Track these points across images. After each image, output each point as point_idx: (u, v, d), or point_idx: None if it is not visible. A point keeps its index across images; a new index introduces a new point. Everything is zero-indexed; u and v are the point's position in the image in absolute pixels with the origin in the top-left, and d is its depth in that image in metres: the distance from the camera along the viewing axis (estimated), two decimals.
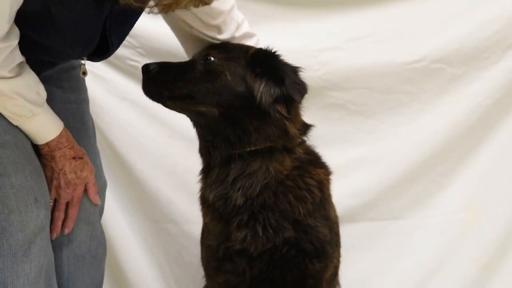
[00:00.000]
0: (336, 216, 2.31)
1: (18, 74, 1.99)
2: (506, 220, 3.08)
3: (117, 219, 2.91)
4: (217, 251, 2.17)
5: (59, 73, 2.32)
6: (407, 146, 3.05)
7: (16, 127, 2.13)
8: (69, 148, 2.18)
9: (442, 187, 3.08)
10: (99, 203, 2.28)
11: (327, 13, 2.98)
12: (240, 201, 2.10)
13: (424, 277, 3.07)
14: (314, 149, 2.27)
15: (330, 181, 2.29)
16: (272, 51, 2.20)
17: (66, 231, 2.21)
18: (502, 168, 3.09)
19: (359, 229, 3.05)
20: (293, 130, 2.14)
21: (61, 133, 2.15)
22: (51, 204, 2.20)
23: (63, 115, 2.28)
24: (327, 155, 2.87)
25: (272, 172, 2.11)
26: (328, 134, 2.99)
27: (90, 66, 2.47)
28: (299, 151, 2.19)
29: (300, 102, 2.19)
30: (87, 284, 2.39)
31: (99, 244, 2.42)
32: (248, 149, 2.11)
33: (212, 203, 2.16)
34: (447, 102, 3.04)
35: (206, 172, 2.20)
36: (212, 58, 2.14)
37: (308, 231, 2.14)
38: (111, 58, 2.75)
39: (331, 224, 2.21)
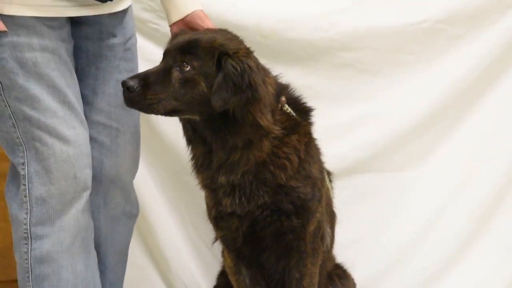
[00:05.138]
0: (320, 172, 2.39)
1: None
2: (502, 174, 3.16)
3: (140, 172, 2.81)
4: (211, 212, 2.37)
5: (115, 49, 2.39)
6: (411, 103, 3.09)
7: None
8: None
9: (442, 141, 3.13)
10: (4, 29, 2.12)
11: None
12: (224, 181, 2.25)
13: (423, 226, 3.14)
14: (290, 111, 2.29)
15: (310, 140, 2.34)
16: (230, 52, 2.15)
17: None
18: (500, 123, 3.14)
19: (365, 180, 3.12)
20: (265, 122, 2.19)
21: None
22: None
23: (113, 89, 2.36)
24: (336, 112, 3.06)
25: (252, 159, 2.22)
26: (337, 92, 3.06)
27: None
28: (277, 129, 2.24)
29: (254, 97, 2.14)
30: (120, 242, 2.53)
31: (132, 206, 2.54)
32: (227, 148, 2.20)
33: (201, 181, 2.34)
34: (449, 61, 3.08)
35: (192, 155, 2.32)
36: (188, 67, 2.15)
37: (290, 192, 2.26)
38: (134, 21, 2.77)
39: (314, 181, 2.32)
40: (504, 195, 3.16)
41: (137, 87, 2.11)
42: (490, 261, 3.14)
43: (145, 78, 2.14)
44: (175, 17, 2.41)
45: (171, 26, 2.44)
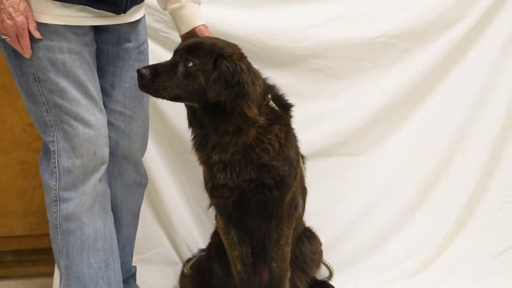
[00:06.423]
0: (296, 154, 2.58)
1: None
2: (439, 157, 3.45)
3: (151, 152, 3.12)
4: (207, 183, 2.57)
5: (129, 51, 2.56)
6: (369, 101, 3.37)
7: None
8: None
9: (394, 131, 3.43)
10: (40, 36, 2.28)
11: None
12: (217, 159, 2.45)
13: (377, 197, 3.43)
14: (274, 106, 2.46)
15: (289, 129, 2.52)
16: (225, 55, 2.33)
17: (28, 57, 2.28)
18: (439, 117, 3.43)
19: (332, 161, 3.39)
20: (252, 114, 2.37)
21: None
22: (7, 39, 2.23)
23: (128, 84, 2.56)
24: (309, 107, 3.32)
25: (240, 143, 2.41)
26: (310, 91, 3.33)
27: None
28: (262, 119, 2.43)
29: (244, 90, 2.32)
30: (132, 205, 2.77)
31: (142, 177, 2.76)
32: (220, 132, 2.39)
33: (199, 158, 2.55)
34: (400, 68, 3.37)
35: (192, 136, 2.50)
36: (190, 64, 2.32)
37: (271, 170, 2.46)
38: (148, 30, 2.84)
39: (291, 162, 2.51)
40: (440, 173, 3.43)
41: (148, 75, 2.30)
42: (429, 224, 3.41)
43: (155, 68, 2.34)
44: (184, 31, 2.68)
45: (181, 36, 2.68)
